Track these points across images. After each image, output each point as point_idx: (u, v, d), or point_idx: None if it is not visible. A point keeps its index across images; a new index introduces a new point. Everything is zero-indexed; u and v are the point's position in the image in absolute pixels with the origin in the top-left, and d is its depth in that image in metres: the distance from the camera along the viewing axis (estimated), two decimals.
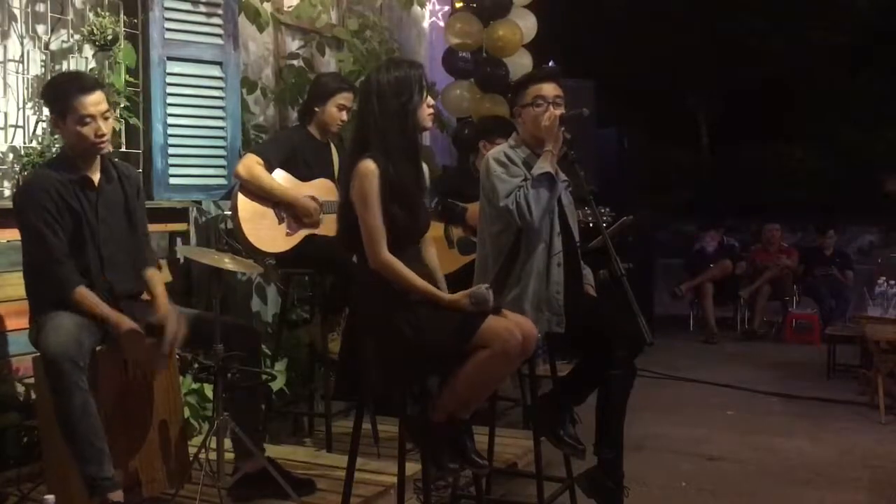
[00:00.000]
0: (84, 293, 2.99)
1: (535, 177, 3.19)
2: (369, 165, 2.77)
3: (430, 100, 2.93)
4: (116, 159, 3.38)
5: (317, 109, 4.21)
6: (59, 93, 3.08)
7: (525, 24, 6.28)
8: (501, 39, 6.15)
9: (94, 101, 3.03)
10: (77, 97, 3.01)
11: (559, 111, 3.28)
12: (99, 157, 3.17)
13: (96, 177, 3.16)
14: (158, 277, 3.28)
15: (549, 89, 3.36)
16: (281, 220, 4.04)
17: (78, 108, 3.00)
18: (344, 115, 4.23)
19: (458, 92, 6.19)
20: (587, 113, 3.34)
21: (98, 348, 3.03)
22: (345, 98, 4.22)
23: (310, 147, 4.20)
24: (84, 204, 3.10)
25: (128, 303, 3.19)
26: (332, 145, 4.35)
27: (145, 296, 3.26)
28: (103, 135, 3.06)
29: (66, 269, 3.00)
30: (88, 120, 3.02)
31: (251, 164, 3.98)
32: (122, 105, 4.00)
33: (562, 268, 3.31)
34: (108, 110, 3.09)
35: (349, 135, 4.89)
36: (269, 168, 4.01)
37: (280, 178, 4.06)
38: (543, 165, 3.22)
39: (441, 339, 2.72)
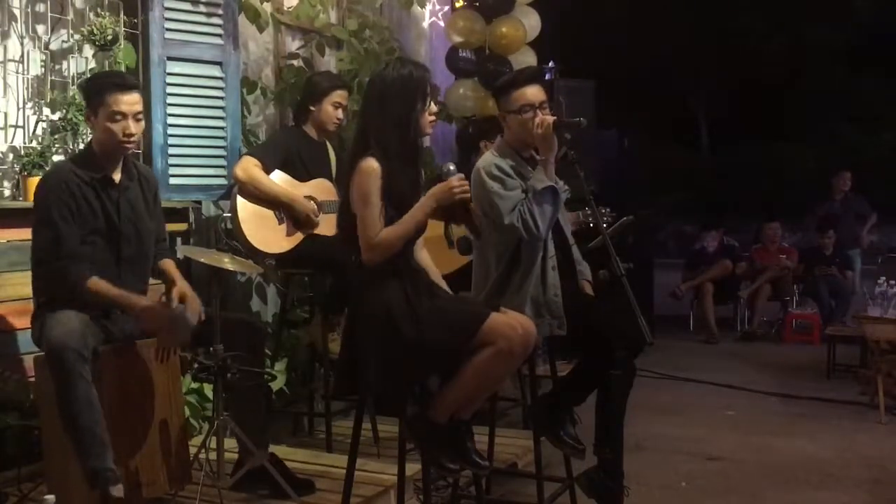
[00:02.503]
0: (98, 282, 3.00)
1: (537, 191, 3.17)
2: (372, 164, 2.77)
3: (433, 107, 2.91)
4: (137, 161, 3.40)
5: (312, 109, 4.21)
6: (97, 87, 3.12)
7: (529, 21, 6.27)
8: (505, 37, 6.14)
9: (129, 101, 3.06)
10: (113, 93, 3.04)
11: (551, 118, 3.23)
12: (122, 156, 3.18)
13: (118, 176, 3.17)
14: (173, 265, 3.31)
15: (534, 94, 3.29)
16: (281, 221, 4.04)
17: (112, 103, 3.03)
18: (340, 114, 4.22)
19: (461, 91, 6.18)
20: (584, 123, 3.28)
21: (101, 348, 3.02)
22: (339, 96, 4.21)
23: (306, 147, 4.19)
24: (105, 202, 3.11)
25: None
26: (329, 145, 4.34)
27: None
28: (131, 134, 3.08)
29: (78, 262, 3.01)
30: (119, 117, 3.05)
31: (249, 167, 3.97)
32: None
33: (556, 270, 3.30)
34: (140, 112, 3.12)
35: (352, 133, 4.91)
36: (267, 170, 4.01)
37: (278, 180, 4.05)
38: (544, 178, 3.20)
39: (442, 337, 2.72)
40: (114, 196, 3.14)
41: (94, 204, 3.08)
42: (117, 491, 2.86)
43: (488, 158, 3.35)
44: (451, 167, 2.85)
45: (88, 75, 3.96)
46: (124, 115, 3.05)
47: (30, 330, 3.14)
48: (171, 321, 3.06)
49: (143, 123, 3.18)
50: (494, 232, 3.29)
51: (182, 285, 3.18)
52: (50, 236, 3.02)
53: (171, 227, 4.26)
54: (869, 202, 9.34)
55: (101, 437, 2.86)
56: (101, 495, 2.84)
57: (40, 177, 3.36)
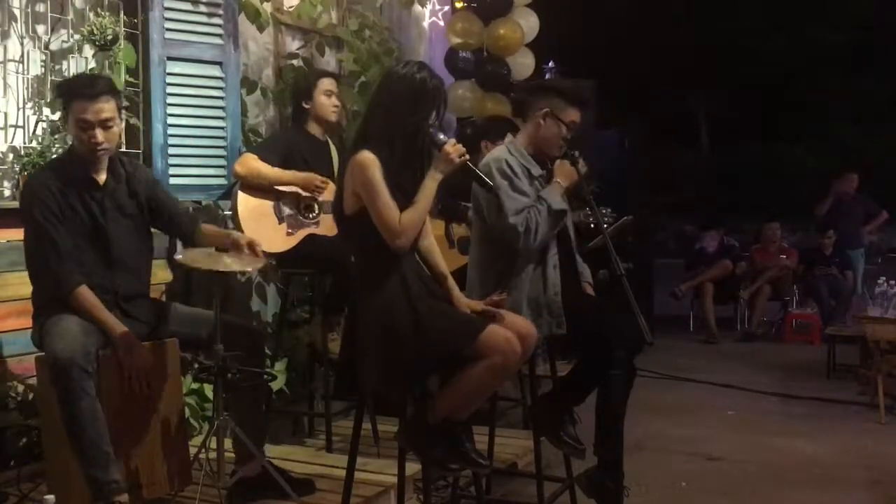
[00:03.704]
0: (84, 293, 2.98)
1: (553, 210, 3.20)
2: (367, 155, 2.75)
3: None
4: (124, 157, 3.35)
5: (307, 106, 4.22)
6: (64, 94, 3.11)
7: (527, 22, 6.28)
8: (503, 38, 6.15)
9: (94, 110, 2.99)
10: (78, 102, 3.00)
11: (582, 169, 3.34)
12: (102, 159, 3.15)
13: (102, 176, 3.14)
14: (210, 227, 3.34)
15: (580, 118, 3.38)
16: (281, 220, 4.04)
17: (77, 111, 3.00)
18: (334, 100, 4.25)
19: (459, 92, 6.19)
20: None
21: (101, 351, 3.02)
22: (327, 84, 4.24)
23: (308, 146, 4.20)
24: (90, 203, 3.09)
25: (133, 304, 3.19)
26: (332, 144, 4.35)
27: (154, 291, 3.26)
28: (98, 143, 3.02)
29: (67, 267, 2.99)
30: (85, 125, 3.00)
31: (248, 161, 3.99)
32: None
33: (558, 269, 3.31)
34: (110, 119, 3.04)
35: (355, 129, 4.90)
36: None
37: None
38: (558, 198, 3.23)
39: (440, 340, 2.72)
40: (98, 197, 3.11)
41: (77, 206, 3.06)
42: (121, 499, 2.88)
43: (500, 154, 3.36)
44: (441, 136, 2.83)
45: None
46: (90, 124, 3.00)
47: (30, 330, 3.14)
48: (143, 359, 3.03)
49: (116, 129, 3.10)
50: (487, 230, 3.30)
51: (237, 236, 3.22)
52: (41, 242, 3.00)
53: None
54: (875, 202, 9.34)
55: (105, 449, 2.85)
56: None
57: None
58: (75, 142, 3.08)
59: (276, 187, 4.04)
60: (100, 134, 3.01)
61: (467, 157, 2.85)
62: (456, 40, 6.20)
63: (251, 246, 3.16)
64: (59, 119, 3.83)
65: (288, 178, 4.03)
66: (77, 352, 2.82)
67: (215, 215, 4.53)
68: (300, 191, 4.07)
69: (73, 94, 3.04)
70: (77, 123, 3.01)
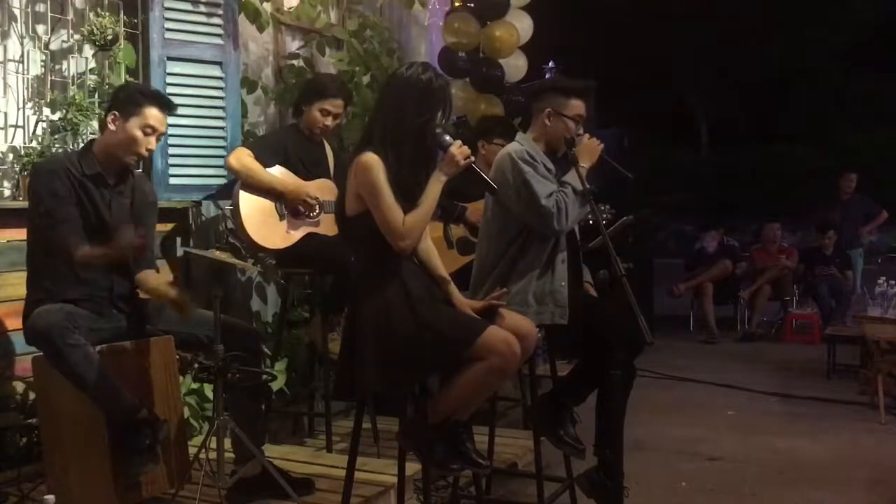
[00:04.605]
0: (83, 251, 3.01)
1: (578, 190, 3.23)
2: (372, 157, 2.74)
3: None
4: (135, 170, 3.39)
5: (304, 109, 4.20)
6: (139, 95, 3.18)
7: (522, 25, 6.29)
8: (498, 40, 6.16)
9: (162, 120, 3.16)
10: (151, 107, 3.13)
11: (599, 144, 3.41)
12: (124, 165, 3.20)
13: (112, 178, 3.18)
14: (153, 276, 3.31)
15: (585, 109, 3.41)
16: (282, 217, 4.03)
17: (148, 115, 3.12)
18: (328, 121, 4.14)
19: (453, 91, 6.18)
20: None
21: (99, 348, 3.02)
22: (331, 104, 4.12)
23: (303, 146, 4.17)
24: (97, 201, 3.12)
25: (128, 303, 3.20)
26: (327, 144, 4.32)
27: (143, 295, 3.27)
28: (150, 150, 3.18)
29: (73, 231, 3.02)
30: (149, 131, 3.13)
31: (241, 156, 3.97)
32: None
33: (566, 264, 3.32)
34: (163, 133, 3.21)
35: (352, 133, 4.87)
36: (264, 165, 4.00)
37: (280, 175, 4.05)
38: (580, 183, 3.25)
39: (441, 341, 2.71)
40: (105, 194, 3.15)
41: (83, 198, 3.09)
42: (142, 414, 3.00)
43: (516, 146, 3.38)
44: (447, 137, 2.82)
45: (89, 75, 3.97)
46: (154, 131, 3.14)
47: None
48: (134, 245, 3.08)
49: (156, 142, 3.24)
50: (496, 220, 3.31)
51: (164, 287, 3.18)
52: (43, 210, 3.03)
53: (171, 226, 4.27)
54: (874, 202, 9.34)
55: (110, 384, 2.92)
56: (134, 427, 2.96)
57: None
58: (124, 142, 3.11)
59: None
60: (154, 143, 3.17)
61: (472, 159, 2.84)
62: (451, 40, 6.20)
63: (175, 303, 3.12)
64: (60, 119, 3.84)
65: (278, 187, 3.99)
66: (56, 318, 2.87)
67: (215, 215, 4.54)
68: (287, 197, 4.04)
69: (150, 98, 3.17)
70: (143, 128, 3.12)
